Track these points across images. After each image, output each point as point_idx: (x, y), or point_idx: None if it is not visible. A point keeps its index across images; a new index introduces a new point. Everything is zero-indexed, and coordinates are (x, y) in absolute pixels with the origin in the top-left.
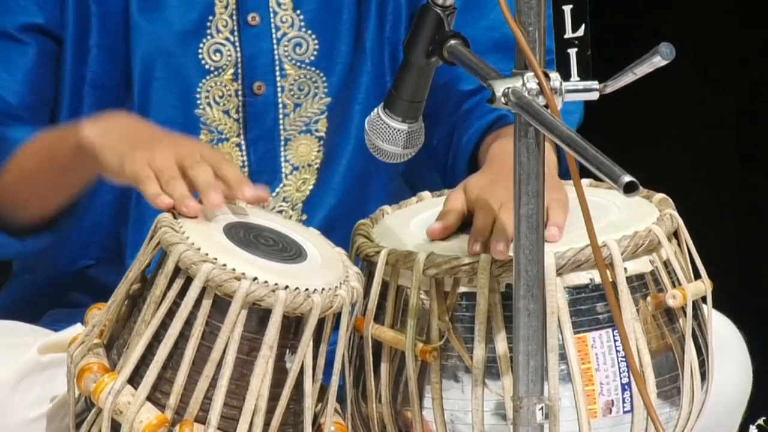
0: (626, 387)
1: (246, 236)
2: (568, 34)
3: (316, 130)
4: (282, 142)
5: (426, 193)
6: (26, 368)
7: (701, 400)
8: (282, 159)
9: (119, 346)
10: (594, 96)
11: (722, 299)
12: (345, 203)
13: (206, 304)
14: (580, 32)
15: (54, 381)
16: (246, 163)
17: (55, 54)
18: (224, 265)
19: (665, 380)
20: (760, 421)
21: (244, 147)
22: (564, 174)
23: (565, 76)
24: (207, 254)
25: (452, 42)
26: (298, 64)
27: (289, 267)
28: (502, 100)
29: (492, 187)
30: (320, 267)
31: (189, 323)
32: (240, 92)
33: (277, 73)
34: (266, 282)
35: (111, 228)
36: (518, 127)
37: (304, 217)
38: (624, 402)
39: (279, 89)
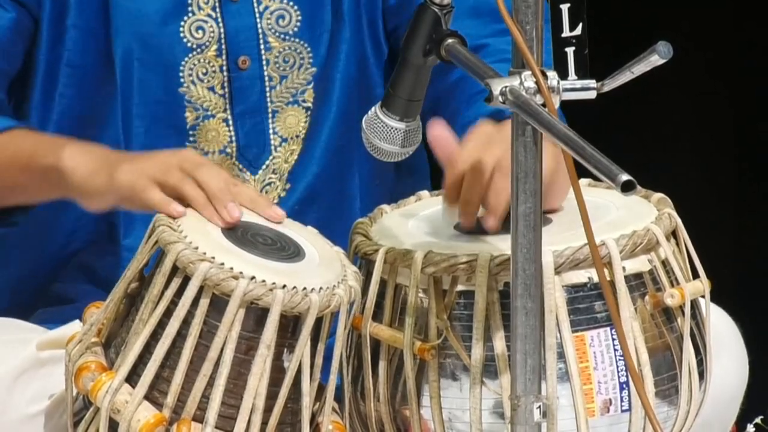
0: (624, 386)
1: (244, 235)
2: (566, 32)
3: (303, 101)
4: (270, 115)
5: (425, 193)
6: (25, 364)
7: (699, 400)
8: (270, 131)
9: (117, 345)
10: (591, 95)
11: (720, 298)
12: (327, 172)
13: (204, 303)
14: (578, 31)
15: (52, 378)
16: (234, 138)
17: (30, 31)
18: (222, 264)
19: (663, 379)
20: (758, 419)
21: (231, 122)
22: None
23: (563, 74)
24: (205, 253)
25: (450, 41)
26: (282, 36)
27: (286, 266)
28: (500, 98)
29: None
30: (318, 266)
31: (187, 322)
32: (225, 68)
33: (262, 47)
34: (264, 281)
35: (98, 213)
36: (516, 126)
37: (288, 186)
38: (622, 401)
39: (264, 62)
